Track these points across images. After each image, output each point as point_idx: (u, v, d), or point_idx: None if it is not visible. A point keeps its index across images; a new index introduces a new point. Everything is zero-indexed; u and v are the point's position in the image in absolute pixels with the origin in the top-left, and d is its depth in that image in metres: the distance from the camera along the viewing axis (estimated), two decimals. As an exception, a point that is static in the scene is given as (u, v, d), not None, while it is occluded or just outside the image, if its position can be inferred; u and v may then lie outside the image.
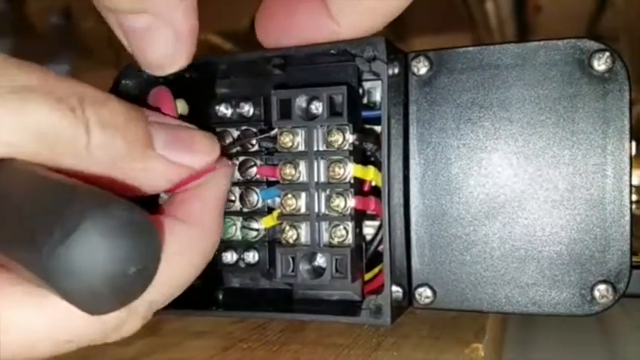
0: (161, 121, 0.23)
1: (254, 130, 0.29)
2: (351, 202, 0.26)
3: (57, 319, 0.18)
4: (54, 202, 0.16)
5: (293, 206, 0.27)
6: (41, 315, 0.18)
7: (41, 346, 0.18)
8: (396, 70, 0.27)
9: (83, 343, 0.19)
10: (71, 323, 0.18)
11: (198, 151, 0.23)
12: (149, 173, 0.21)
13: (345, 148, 0.26)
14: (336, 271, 0.26)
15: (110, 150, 0.19)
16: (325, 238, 0.27)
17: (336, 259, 0.26)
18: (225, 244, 0.29)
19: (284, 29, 0.26)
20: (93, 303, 0.16)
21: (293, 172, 0.27)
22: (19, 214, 0.17)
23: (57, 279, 0.15)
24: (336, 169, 0.26)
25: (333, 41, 0.26)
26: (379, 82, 0.26)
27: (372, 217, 0.29)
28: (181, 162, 0.22)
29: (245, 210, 0.29)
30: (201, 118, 0.27)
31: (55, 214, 0.15)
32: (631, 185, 0.26)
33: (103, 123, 0.19)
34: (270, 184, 0.29)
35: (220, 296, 0.31)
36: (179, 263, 0.21)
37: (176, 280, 0.21)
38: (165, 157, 0.22)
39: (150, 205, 0.22)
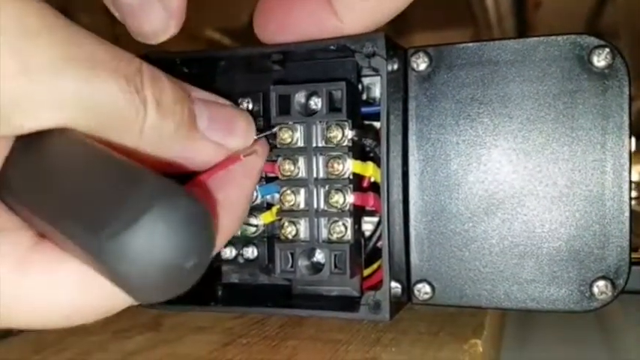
0: (203, 97, 0.23)
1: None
2: (350, 198, 0.26)
3: (97, 294, 0.18)
4: (118, 183, 0.16)
5: (292, 202, 0.27)
6: (79, 289, 0.18)
7: (86, 315, 0.19)
8: (396, 66, 0.27)
9: (108, 313, 0.19)
10: (108, 298, 0.18)
11: (237, 132, 0.23)
12: (189, 153, 0.21)
13: (344, 144, 0.26)
14: (335, 266, 0.26)
15: (160, 130, 0.20)
16: (324, 233, 0.27)
17: (335, 255, 0.26)
18: (224, 240, 0.29)
19: (284, 25, 0.26)
20: (144, 292, 0.16)
21: (292, 168, 0.27)
22: (78, 189, 0.16)
23: (114, 263, 0.15)
24: (335, 165, 0.26)
25: (333, 37, 0.26)
26: (378, 77, 0.26)
27: (371, 213, 0.29)
28: (220, 143, 0.22)
29: (244, 206, 0.29)
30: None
31: (119, 196, 0.15)
32: (630, 181, 0.26)
33: (158, 103, 0.19)
34: (269, 180, 0.29)
35: (219, 292, 0.31)
36: None
37: None
38: (207, 137, 0.22)
39: (185, 179, 0.22)
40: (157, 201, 0.15)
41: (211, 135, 0.22)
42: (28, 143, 0.18)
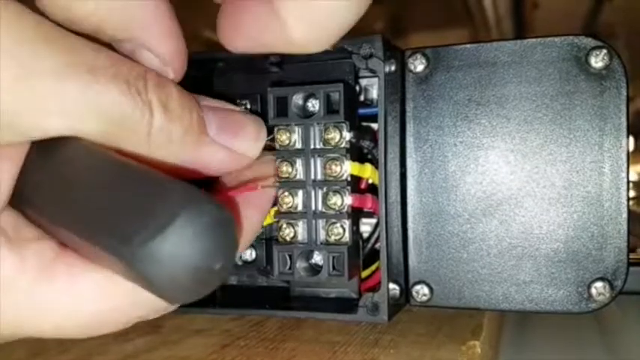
0: (211, 104, 0.23)
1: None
2: (348, 200, 0.26)
3: (120, 302, 0.19)
4: (144, 192, 0.16)
5: (290, 204, 0.27)
6: (103, 298, 0.18)
7: (107, 324, 0.19)
8: (393, 68, 0.27)
9: (129, 323, 0.20)
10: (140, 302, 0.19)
11: (247, 135, 0.24)
12: (201, 158, 0.22)
13: (342, 145, 0.26)
14: (333, 268, 0.26)
15: (168, 135, 0.20)
16: (322, 235, 0.27)
17: (333, 257, 0.26)
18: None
19: (237, 34, 0.23)
20: (175, 294, 0.17)
21: (290, 169, 0.27)
22: (104, 198, 0.17)
23: (146, 269, 0.15)
24: (333, 167, 0.26)
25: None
26: (376, 79, 0.26)
27: (369, 215, 0.29)
28: (231, 147, 0.23)
29: (242, 208, 0.29)
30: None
31: (147, 204, 0.16)
32: (628, 182, 0.26)
33: (164, 107, 0.19)
34: (267, 181, 0.29)
35: (218, 294, 0.31)
36: None
37: None
38: (217, 142, 0.22)
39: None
40: (184, 208, 0.15)
41: (222, 140, 0.22)
42: (44, 154, 0.18)
